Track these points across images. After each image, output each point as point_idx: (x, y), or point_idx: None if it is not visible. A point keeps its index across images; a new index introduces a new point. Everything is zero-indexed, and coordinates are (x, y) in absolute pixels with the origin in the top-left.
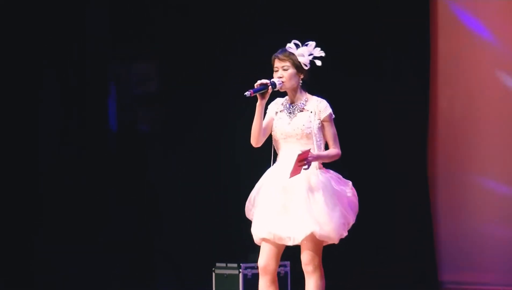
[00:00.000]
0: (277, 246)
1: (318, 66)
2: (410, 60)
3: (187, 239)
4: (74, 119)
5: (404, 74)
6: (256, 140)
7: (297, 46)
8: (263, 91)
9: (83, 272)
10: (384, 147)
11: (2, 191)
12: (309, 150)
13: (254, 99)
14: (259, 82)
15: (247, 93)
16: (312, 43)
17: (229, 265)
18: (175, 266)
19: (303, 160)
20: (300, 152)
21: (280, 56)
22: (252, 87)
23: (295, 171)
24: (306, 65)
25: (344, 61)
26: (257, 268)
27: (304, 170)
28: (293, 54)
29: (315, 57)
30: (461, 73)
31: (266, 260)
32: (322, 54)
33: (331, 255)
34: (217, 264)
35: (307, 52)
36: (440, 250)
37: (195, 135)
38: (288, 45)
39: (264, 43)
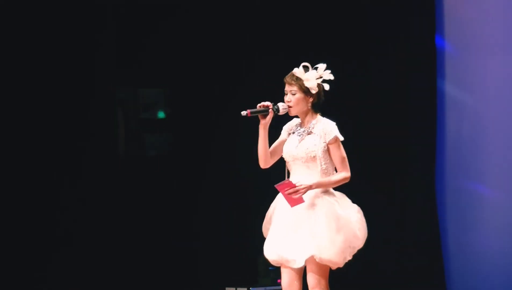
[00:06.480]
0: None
1: (327, 90)
2: (418, 82)
3: (197, 263)
4: (81, 145)
5: (412, 95)
6: (263, 161)
7: (306, 69)
8: (263, 113)
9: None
10: (392, 166)
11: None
12: (289, 181)
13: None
14: (260, 104)
15: (243, 112)
16: (322, 66)
17: (238, 289)
18: (184, 289)
19: (291, 190)
20: (279, 184)
21: (288, 79)
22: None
23: (293, 201)
24: (313, 90)
25: (354, 85)
26: None
27: (309, 195)
28: (299, 78)
29: (324, 80)
30: (469, 93)
31: (288, 281)
32: (331, 77)
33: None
34: (227, 289)
35: (315, 76)
36: (449, 270)
37: (203, 159)
38: (295, 69)
39: (270, 66)
